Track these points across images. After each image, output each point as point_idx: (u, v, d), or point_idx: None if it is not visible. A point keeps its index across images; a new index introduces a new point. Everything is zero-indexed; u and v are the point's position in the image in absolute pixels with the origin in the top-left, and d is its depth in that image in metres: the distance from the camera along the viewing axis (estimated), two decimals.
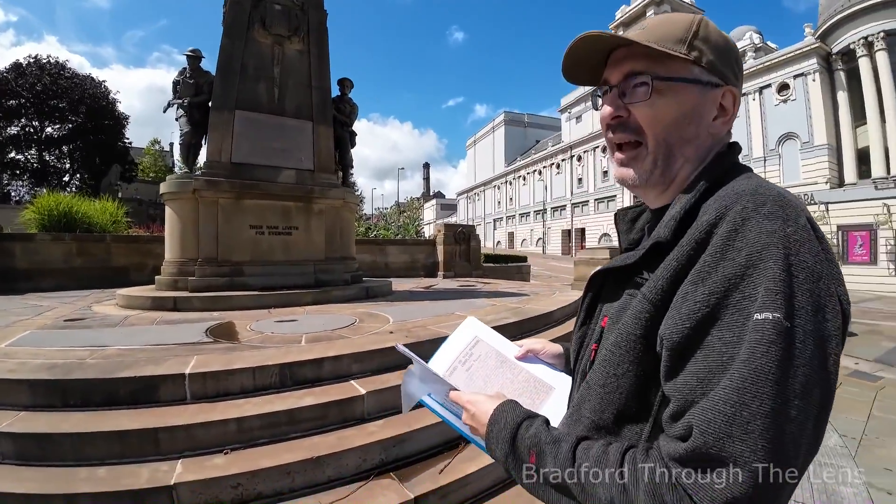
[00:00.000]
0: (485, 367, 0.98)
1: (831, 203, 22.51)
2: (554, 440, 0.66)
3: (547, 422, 0.73)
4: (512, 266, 13.46)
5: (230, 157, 6.24)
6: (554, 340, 1.09)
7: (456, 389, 0.87)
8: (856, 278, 20.33)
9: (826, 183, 23.15)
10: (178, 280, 5.87)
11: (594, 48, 0.71)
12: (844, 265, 21.21)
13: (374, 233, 15.38)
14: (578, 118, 45.25)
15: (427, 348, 3.33)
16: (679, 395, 0.54)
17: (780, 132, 25.55)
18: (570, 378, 0.93)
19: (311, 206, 6.58)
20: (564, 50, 0.72)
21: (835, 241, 21.92)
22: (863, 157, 22.49)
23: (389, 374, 3.22)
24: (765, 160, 26.19)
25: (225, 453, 2.43)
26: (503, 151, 60.75)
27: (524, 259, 15.22)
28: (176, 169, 29.82)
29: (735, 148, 0.73)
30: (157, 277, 6.18)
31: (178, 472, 2.23)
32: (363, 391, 2.94)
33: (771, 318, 0.49)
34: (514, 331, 4.35)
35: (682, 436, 0.53)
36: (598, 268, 0.78)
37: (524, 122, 63.73)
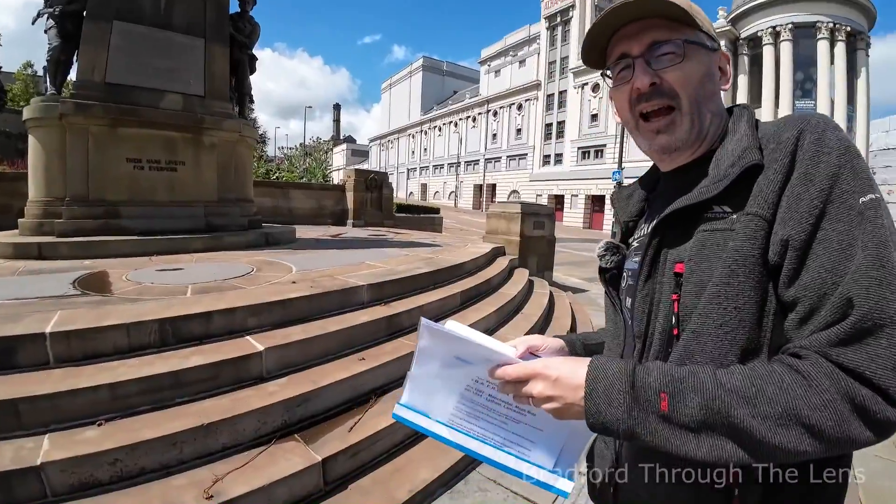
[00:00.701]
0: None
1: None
2: (689, 373, 0.61)
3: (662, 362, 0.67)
4: (424, 217, 13.34)
5: (105, 76, 5.22)
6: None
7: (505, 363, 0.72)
8: None
9: None
10: (43, 223, 5.01)
11: (613, 23, 0.74)
12: None
13: (277, 175, 14.20)
14: (497, 72, 45.15)
15: (335, 299, 3.04)
16: (810, 291, 0.58)
17: None
18: None
19: (200, 138, 5.76)
20: (590, 28, 0.77)
21: None
22: None
23: (292, 328, 2.94)
24: None
25: (98, 425, 2.06)
26: (420, 99, 59.07)
27: (437, 211, 15.17)
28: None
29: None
30: (20, 220, 5.17)
31: (45, 449, 1.87)
32: (261, 347, 2.64)
33: (875, 196, 0.59)
34: (427, 281, 4.25)
35: (830, 322, 0.56)
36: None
37: (443, 69, 62.14)
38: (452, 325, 0.83)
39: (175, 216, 5.52)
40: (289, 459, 2.19)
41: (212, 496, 1.91)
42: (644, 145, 0.78)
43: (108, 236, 4.94)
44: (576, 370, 0.66)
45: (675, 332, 0.68)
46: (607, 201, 31.27)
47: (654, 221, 0.75)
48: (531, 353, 0.85)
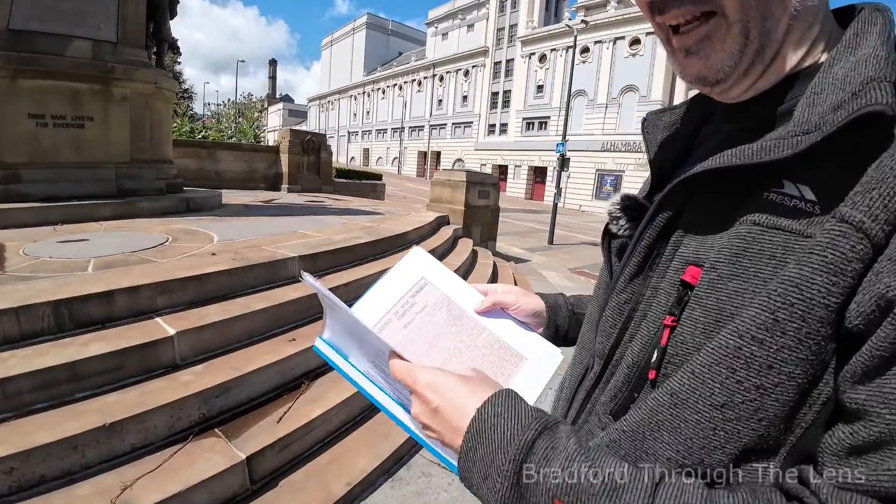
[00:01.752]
0: (431, 323, 0.70)
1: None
2: (611, 487, 0.38)
3: (580, 438, 0.44)
4: (366, 183, 12.81)
5: (7, 22, 4.43)
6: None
7: (396, 356, 0.57)
8: None
9: None
10: None
11: None
12: None
13: (203, 134, 12.97)
14: (445, 35, 43.80)
15: (261, 273, 2.72)
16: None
17: (624, 84, 28.56)
18: (550, 347, 0.73)
19: (110, 89, 5.01)
20: None
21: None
22: None
23: (210, 307, 2.61)
24: (606, 107, 29.27)
25: None
26: (363, 58, 56.29)
27: (379, 177, 14.64)
28: None
29: None
30: None
31: None
32: (172, 331, 2.31)
33: None
34: (367, 252, 3.99)
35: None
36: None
37: (388, 29, 59.35)
38: (418, 253, 0.77)
39: (82, 179, 4.85)
40: (208, 459, 1.94)
41: None
42: (678, 74, 0.51)
43: (8, 203, 4.25)
44: (463, 407, 0.47)
45: (652, 375, 0.47)
46: (549, 173, 32.02)
47: (669, 186, 0.50)
48: (500, 310, 0.74)
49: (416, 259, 0.76)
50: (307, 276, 0.62)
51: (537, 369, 0.70)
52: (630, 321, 0.53)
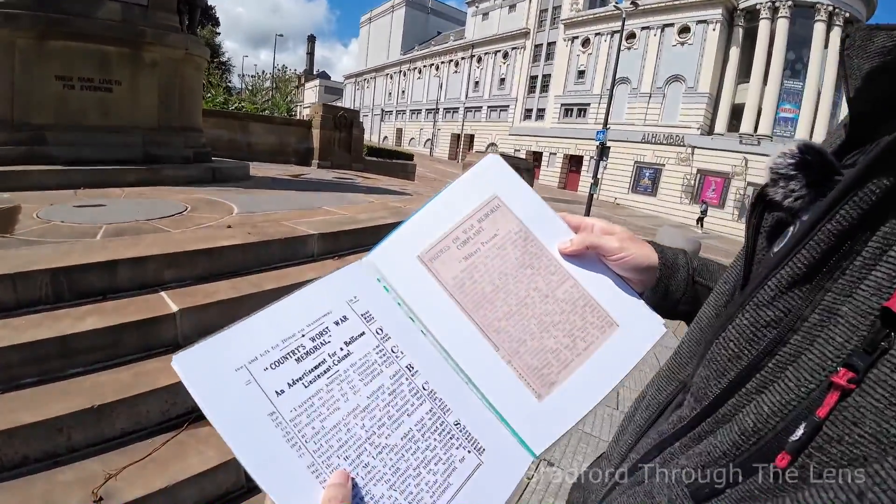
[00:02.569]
0: (501, 259, 0.55)
1: (698, 147, 25.48)
2: None
3: None
4: (397, 163, 12.57)
5: None
6: None
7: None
8: (708, 219, 23.83)
9: (697, 129, 25.86)
10: None
11: None
12: (695, 203, 24.98)
13: (236, 105, 12.98)
14: (486, 15, 42.65)
15: (277, 249, 2.52)
16: None
17: (670, 73, 27.19)
18: (652, 316, 0.55)
19: (140, 54, 4.91)
20: None
21: (692, 182, 25.19)
22: (735, 112, 25.46)
23: (219, 284, 2.44)
24: (649, 97, 27.95)
25: None
26: (401, 37, 55.62)
27: (410, 157, 14.38)
28: None
29: None
30: None
31: None
32: (175, 308, 2.15)
33: None
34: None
35: None
36: None
37: (428, 6, 58.29)
38: (495, 162, 0.60)
39: (108, 144, 4.77)
40: (201, 452, 1.77)
41: (101, 499, 1.49)
42: None
43: (32, 165, 4.24)
44: None
45: (782, 462, 0.29)
46: (585, 162, 31.03)
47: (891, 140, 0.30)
48: (595, 255, 0.56)
49: (491, 170, 0.58)
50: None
51: (629, 343, 0.52)
52: (768, 358, 0.34)
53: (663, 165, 27.44)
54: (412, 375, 0.47)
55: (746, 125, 24.81)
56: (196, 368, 0.41)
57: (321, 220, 3.52)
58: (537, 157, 35.68)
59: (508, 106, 39.79)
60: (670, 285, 0.58)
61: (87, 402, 1.69)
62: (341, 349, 0.45)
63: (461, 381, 0.48)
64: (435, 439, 0.44)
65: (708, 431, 0.37)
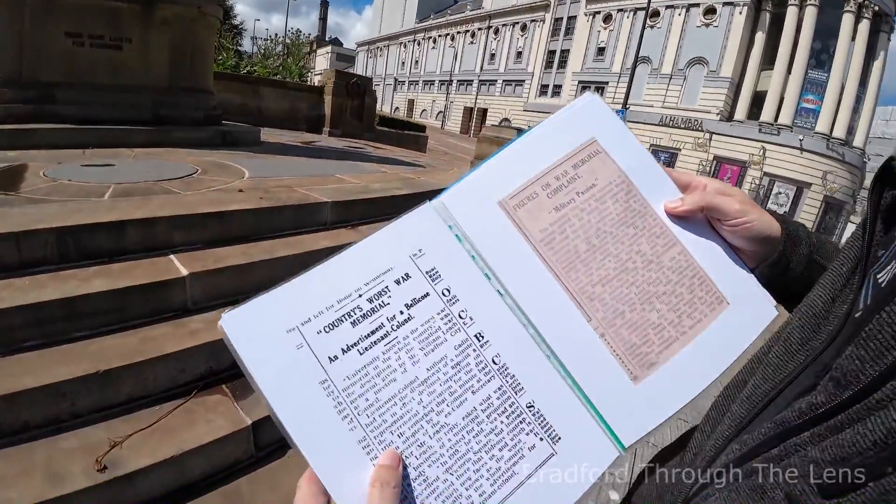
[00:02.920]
0: (598, 213, 0.47)
1: (716, 133, 24.81)
2: None
3: None
4: (408, 134, 12.31)
5: None
6: None
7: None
8: None
9: (717, 114, 25.14)
10: None
11: None
12: None
13: (248, 69, 12.70)
14: None
15: (290, 215, 2.39)
16: None
17: (693, 55, 26.28)
18: (765, 296, 0.48)
19: (151, 11, 4.72)
20: None
21: (708, 168, 24.68)
22: (756, 100, 24.68)
23: (230, 249, 2.35)
24: (670, 78, 27.12)
25: None
26: (416, 4, 54.04)
27: (423, 129, 14.11)
28: None
29: None
30: None
31: None
32: (185, 272, 2.07)
33: None
34: (405, 205, 3.60)
35: None
36: None
37: None
38: (593, 102, 0.51)
39: (117, 103, 4.64)
40: (210, 421, 1.72)
41: (105, 468, 1.44)
42: None
43: (39, 124, 4.13)
44: None
45: None
46: None
47: None
48: (702, 217, 0.49)
49: (590, 109, 0.50)
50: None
51: (738, 325, 0.46)
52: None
53: (679, 150, 26.85)
54: (481, 346, 0.41)
55: (767, 113, 24.16)
56: (244, 329, 0.37)
57: (334, 187, 3.41)
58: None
59: (524, 81, 38.87)
60: (791, 261, 0.50)
61: (93, 367, 1.63)
62: (401, 312, 0.40)
63: (542, 355, 0.42)
64: (502, 422, 0.39)
65: (854, 419, 0.33)
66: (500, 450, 0.38)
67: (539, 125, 0.49)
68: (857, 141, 24.28)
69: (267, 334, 0.37)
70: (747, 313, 0.47)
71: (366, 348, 0.38)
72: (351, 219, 3.07)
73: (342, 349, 0.38)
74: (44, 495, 1.31)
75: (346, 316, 0.39)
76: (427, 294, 0.41)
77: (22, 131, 3.95)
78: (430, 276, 0.42)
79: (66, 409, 1.57)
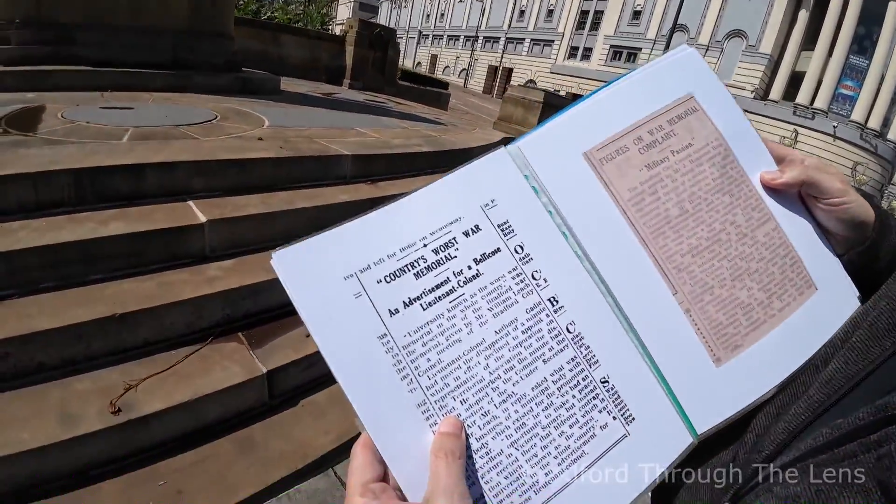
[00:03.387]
0: (693, 175, 0.42)
1: (749, 112, 23.59)
2: None
3: None
4: (431, 91, 11.93)
5: None
6: None
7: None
8: None
9: (752, 92, 23.94)
10: None
11: None
12: None
13: (269, 15, 12.32)
14: None
15: (311, 167, 2.13)
16: None
17: (732, 27, 24.79)
18: (849, 286, 0.45)
19: None
20: None
21: None
22: (794, 81, 23.35)
23: (249, 198, 2.32)
24: (706, 49, 25.72)
25: None
26: None
27: (446, 86, 13.68)
28: None
29: None
30: None
31: None
32: (204, 218, 2.04)
33: None
34: (426, 163, 3.54)
35: None
36: None
37: None
38: (692, 56, 0.46)
39: (137, 46, 4.54)
40: (226, 368, 1.72)
41: (119, 410, 1.46)
42: None
43: (58, 65, 4.06)
44: None
45: None
46: None
47: None
48: (804, 199, 0.45)
49: (688, 63, 0.46)
50: None
51: (823, 313, 0.42)
52: None
53: None
54: (555, 312, 0.37)
55: (803, 96, 23.05)
56: (298, 270, 0.34)
57: (354, 141, 3.31)
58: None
59: (553, 41, 37.22)
60: (881, 249, 0.47)
61: (109, 311, 1.63)
62: (469, 268, 0.36)
63: (620, 328, 0.38)
64: (573, 396, 0.36)
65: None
66: (571, 426, 0.35)
67: (630, 73, 0.44)
68: (892, 134, 23.16)
69: (322, 278, 0.34)
70: (833, 301, 0.44)
71: (429, 303, 0.35)
72: (371, 174, 2.99)
73: (404, 302, 0.34)
74: (57, 436, 1.33)
75: (410, 266, 0.35)
76: (498, 249, 0.37)
77: (40, 73, 3.90)
78: (503, 230, 0.38)
79: (82, 352, 1.58)
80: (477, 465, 0.32)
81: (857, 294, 0.46)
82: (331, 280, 0.34)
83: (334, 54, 9.32)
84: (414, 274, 0.35)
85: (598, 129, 0.42)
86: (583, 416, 0.35)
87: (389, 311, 0.34)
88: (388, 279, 0.34)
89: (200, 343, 1.80)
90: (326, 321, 0.33)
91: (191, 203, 2.15)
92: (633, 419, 0.36)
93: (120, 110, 3.27)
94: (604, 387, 0.36)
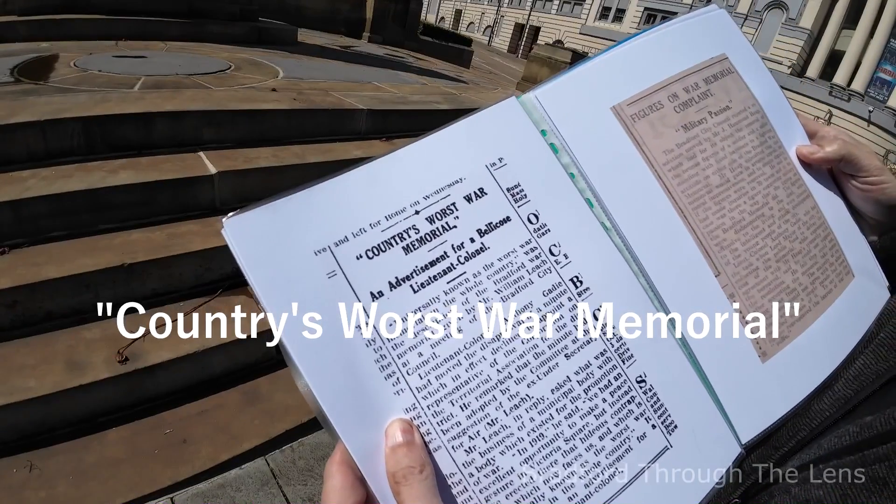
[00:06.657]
0: (733, 142, 0.36)
1: (784, 88, 22.32)
2: None
3: None
4: (453, 47, 11.48)
5: None
6: None
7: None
8: None
9: (788, 67, 22.61)
10: (6, 1, 4.15)
11: None
12: None
13: None
14: None
15: (324, 120, 1.96)
16: None
17: None
18: (880, 275, 0.41)
19: None
20: None
21: None
22: (832, 60, 21.92)
23: (260, 150, 2.26)
24: (745, 19, 24.13)
25: (1, 253, 1.58)
26: None
27: (469, 43, 13.16)
28: None
29: None
30: None
31: None
32: (214, 169, 2.00)
33: None
34: (442, 122, 3.37)
35: None
36: None
37: None
38: (721, 17, 0.41)
39: None
40: (234, 321, 1.72)
41: (126, 359, 1.47)
42: None
43: (72, 14, 3.98)
44: None
45: None
46: None
47: None
48: (837, 178, 0.41)
49: (720, 22, 0.40)
50: None
51: (859, 302, 0.38)
52: None
53: None
54: (578, 295, 0.30)
55: (840, 76, 21.64)
56: (258, 241, 0.26)
57: (370, 95, 3.20)
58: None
59: (584, 0, 35.27)
60: None
61: (118, 260, 1.63)
62: (472, 240, 0.29)
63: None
64: (604, 399, 0.29)
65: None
66: (601, 438, 0.28)
67: (660, 25, 0.39)
68: None
69: (287, 253, 0.26)
70: (868, 290, 0.39)
71: (422, 284, 0.28)
72: (386, 130, 2.89)
73: (390, 283, 0.27)
74: (64, 384, 1.35)
75: (398, 238, 0.28)
76: (507, 219, 0.30)
77: (54, 21, 3.84)
78: (513, 196, 0.31)
79: (90, 301, 1.59)
80: (481, 487, 0.26)
81: (887, 283, 0.41)
82: (298, 255, 0.26)
83: (354, 5, 8.98)
84: (403, 248, 0.28)
85: (628, 81, 0.35)
86: (616, 424, 0.29)
87: (371, 294, 0.27)
88: (369, 254, 0.27)
89: (209, 296, 1.80)
90: (291, 306, 0.25)
91: (201, 154, 2.11)
92: (676, 427, 0.30)
93: (133, 59, 3.20)
94: (640, 388, 0.30)
